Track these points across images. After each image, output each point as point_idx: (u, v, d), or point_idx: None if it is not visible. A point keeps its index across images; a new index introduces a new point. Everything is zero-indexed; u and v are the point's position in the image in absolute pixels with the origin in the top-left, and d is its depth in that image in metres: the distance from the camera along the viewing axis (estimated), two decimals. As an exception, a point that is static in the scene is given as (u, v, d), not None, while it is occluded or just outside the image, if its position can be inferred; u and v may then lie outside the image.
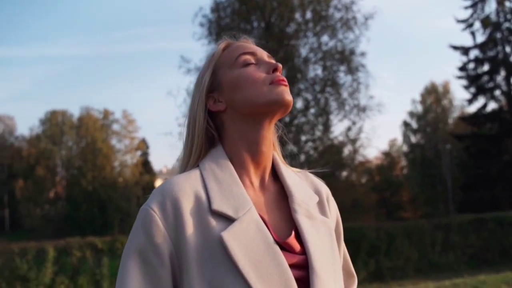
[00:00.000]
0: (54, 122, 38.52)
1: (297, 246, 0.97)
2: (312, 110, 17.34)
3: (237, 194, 0.97)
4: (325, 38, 17.34)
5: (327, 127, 17.29)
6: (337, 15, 17.19)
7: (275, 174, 1.09)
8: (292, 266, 0.93)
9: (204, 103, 1.07)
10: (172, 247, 0.91)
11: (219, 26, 17.41)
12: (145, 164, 39.90)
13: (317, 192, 1.11)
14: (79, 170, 36.46)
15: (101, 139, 37.52)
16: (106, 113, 39.82)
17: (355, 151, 18.07)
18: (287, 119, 16.94)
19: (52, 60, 65.32)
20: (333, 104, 17.29)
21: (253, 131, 1.03)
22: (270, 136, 1.05)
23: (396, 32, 61.82)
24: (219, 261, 0.89)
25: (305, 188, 1.08)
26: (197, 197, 0.95)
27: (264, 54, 1.09)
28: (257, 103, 1.01)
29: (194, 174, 1.00)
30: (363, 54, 17.08)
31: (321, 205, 1.09)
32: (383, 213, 31.30)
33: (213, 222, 0.92)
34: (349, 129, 17.12)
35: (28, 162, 36.99)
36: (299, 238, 0.98)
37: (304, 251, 0.97)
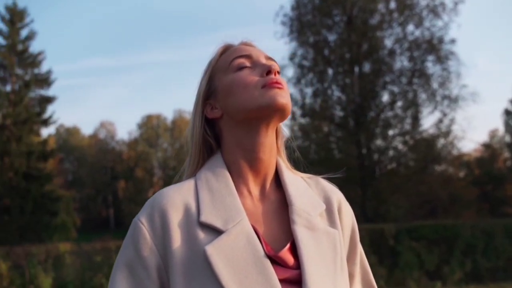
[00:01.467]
0: (150, 126, 40.67)
1: (290, 260, 0.90)
2: (399, 103, 16.69)
3: (229, 205, 0.92)
4: (410, 27, 16.61)
5: (416, 120, 16.52)
6: (423, 2, 16.36)
7: (280, 181, 1.03)
8: (284, 281, 0.87)
9: (200, 110, 1.04)
10: (160, 260, 0.89)
11: (300, 24, 17.32)
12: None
13: (327, 200, 1.03)
14: (174, 170, 38.10)
15: (193, 141, 38.94)
16: (198, 115, 41.22)
17: (449, 144, 17.10)
18: (372, 114, 16.45)
19: (146, 66, 69.07)
20: (422, 96, 16.51)
21: (249, 137, 0.98)
22: (269, 142, 0.99)
23: (492, 16, 57.65)
24: (204, 275, 0.85)
25: (310, 196, 1.01)
26: (186, 208, 0.92)
27: (261, 56, 1.03)
28: (249, 108, 0.95)
29: (188, 184, 0.97)
30: (453, 41, 16.09)
31: (329, 213, 1.02)
32: (485, 208, 29.31)
33: (201, 234, 0.89)
34: (440, 121, 16.23)
35: (128, 164, 39.33)
36: (296, 251, 0.92)
37: (299, 265, 0.90)
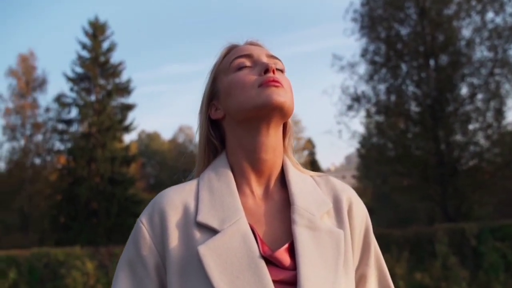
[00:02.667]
0: (225, 129, 41.42)
1: (287, 260, 0.88)
2: (480, 96, 15.76)
3: (228, 205, 0.93)
4: (490, 14, 15.61)
5: (499, 112, 15.49)
6: (504, -13, 15.35)
7: (285, 181, 1.02)
8: (278, 282, 0.85)
9: (205, 111, 1.06)
10: (159, 259, 0.91)
11: (371, 19, 16.90)
12: (313, 163, 40.44)
13: (336, 198, 1.01)
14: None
15: (269, 142, 39.18)
16: (272, 117, 41.46)
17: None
18: (451, 108, 15.67)
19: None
20: (506, 87, 15.43)
21: (250, 137, 0.98)
22: (271, 142, 0.99)
23: None
24: (198, 276, 0.86)
25: (316, 195, 1.00)
26: (185, 208, 0.94)
27: (262, 55, 1.03)
28: (246, 108, 0.96)
29: (190, 185, 0.99)
30: (539, 26, 14.96)
31: (338, 212, 0.99)
32: None
33: (197, 234, 0.90)
34: (527, 112, 15.12)
35: (206, 167, 40.26)
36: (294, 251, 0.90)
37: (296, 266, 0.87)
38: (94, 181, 20.75)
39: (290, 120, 1.08)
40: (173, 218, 0.92)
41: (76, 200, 20.01)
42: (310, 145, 41.36)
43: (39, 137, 24.71)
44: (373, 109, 17.09)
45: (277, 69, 1.03)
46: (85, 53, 22.41)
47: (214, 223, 0.90)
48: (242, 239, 0.88)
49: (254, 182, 0.99)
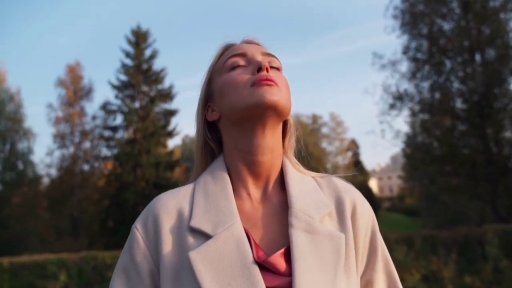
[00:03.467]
0: (270, 131, 41.53)
1: (282, 266, 0.84)
2: (529, 90, 15.06)
3: (222, 209, 0.90)
4: (539, 5, 14.93)
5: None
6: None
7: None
8: None
9: (201, 113, 1.04)
10: (153, 265, 0.89)
11: (412, 15, 16.49)
12: (357, 164, 39.93)
13: (338, 200, 0.96)
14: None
15: (312, 143, 38.96)
16: (315, 118, 41.30)
17: None
18: (499, 104, 15.05)
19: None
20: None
21: (245, 139, 0.95)
22: (268, 143, 0.95)
23: None
24: (190, 282, 0.84)
25: (316, 197, 0.95)
26: (180, 213, 0.92)
27: (256, 53, 1.00)
28: (239, 108, 0.93)
29: (186, 189, 0.97)
30: None
31: (340, 215, 0.95)
32: None
33: (190, 239, 0.88)
34: None
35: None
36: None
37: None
38: (140, 186, 21.19)
39: (291, 120, 1.05)
40: (167, 223, 0.90)
41: (123, 205, 20.50)
42: (354, 146, 40.90)
43: (87, 144, 25.53)
44: (416, 108, 16.68)
45: (273, 67, 0.99)
46: (128, 61, 22.97)
47: (207, 228, 0.88)
48: (235, 244, 0.85)
49: (251, 185, 0.96)
